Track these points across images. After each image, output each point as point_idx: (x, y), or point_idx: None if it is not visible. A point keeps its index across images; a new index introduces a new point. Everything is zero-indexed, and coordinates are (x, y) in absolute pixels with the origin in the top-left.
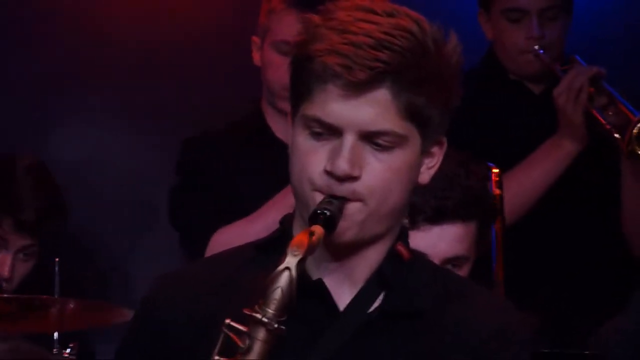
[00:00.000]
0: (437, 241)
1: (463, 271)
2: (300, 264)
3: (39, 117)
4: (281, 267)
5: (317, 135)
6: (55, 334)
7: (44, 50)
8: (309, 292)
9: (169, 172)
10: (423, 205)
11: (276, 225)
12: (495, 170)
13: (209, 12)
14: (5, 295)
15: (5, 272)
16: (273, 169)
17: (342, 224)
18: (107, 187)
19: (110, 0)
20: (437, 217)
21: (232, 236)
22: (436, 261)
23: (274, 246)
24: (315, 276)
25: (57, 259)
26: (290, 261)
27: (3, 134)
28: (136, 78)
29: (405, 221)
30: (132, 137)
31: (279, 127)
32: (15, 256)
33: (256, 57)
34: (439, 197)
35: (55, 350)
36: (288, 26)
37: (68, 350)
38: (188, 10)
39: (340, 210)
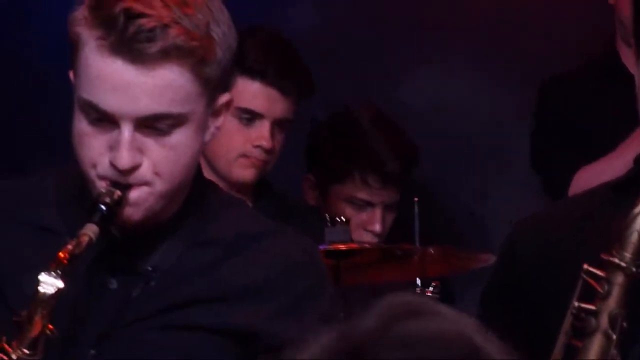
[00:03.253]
0: None
1: None
2: None
3: (391, 66)
4: (637, 209)
5: None
6: (418, 281)
7: None
8: None
9: (522, 116)
10: None
11: None
12: None
13: None
14: (368, 246)
15: (378, 229)
16: (630, 107)
17: None
18: (461, 133)
19: None
20: None
21: (592, 175)
22: None
23: (629, 186)
24: None
25: (416, 199)
26: None
27: (352, 84)
28: (492, 22)
29: None
30: (484, 81)
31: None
32: (383, 210)
33: None
34: None
35: (418, 289)
36: None
37: (430, 289)
38: None
39: None
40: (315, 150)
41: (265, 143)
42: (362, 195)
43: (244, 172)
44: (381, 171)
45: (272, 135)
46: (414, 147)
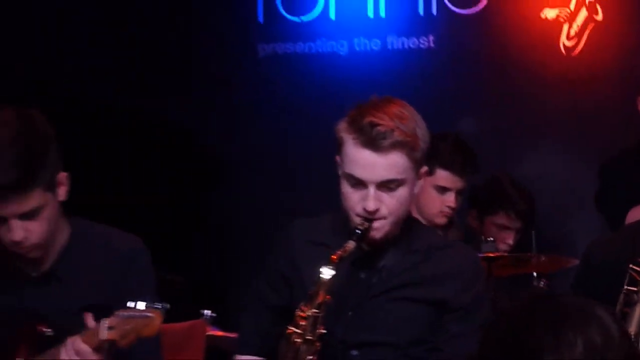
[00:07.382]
0: None
1: None
2: None
3: (511, 153)
4: None
5: None
6: (534, 274)
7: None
8: None
9: (588, 177)
10: None
11: None
12: None
13: None
14: (506, 255)
15: (506, 246)
16: None
17: None
18: (558, 194)
19: None
20: None
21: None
22: None
23: None
24: None
25: (533, 231)
26: None
27: (487, 159)
28: (577, 119)
29: None
30: (572, 157)
31: None
32: (515, 235)
33: None
34: None
35: (534, 282)
36: None
37: (542, 284)
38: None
39: None
40: (475, 198)
41: (453, 206)
42: (504, 221)
43: (441, 220)
44: (515, 209)
45: (457, 200)
46: (530, 195)
